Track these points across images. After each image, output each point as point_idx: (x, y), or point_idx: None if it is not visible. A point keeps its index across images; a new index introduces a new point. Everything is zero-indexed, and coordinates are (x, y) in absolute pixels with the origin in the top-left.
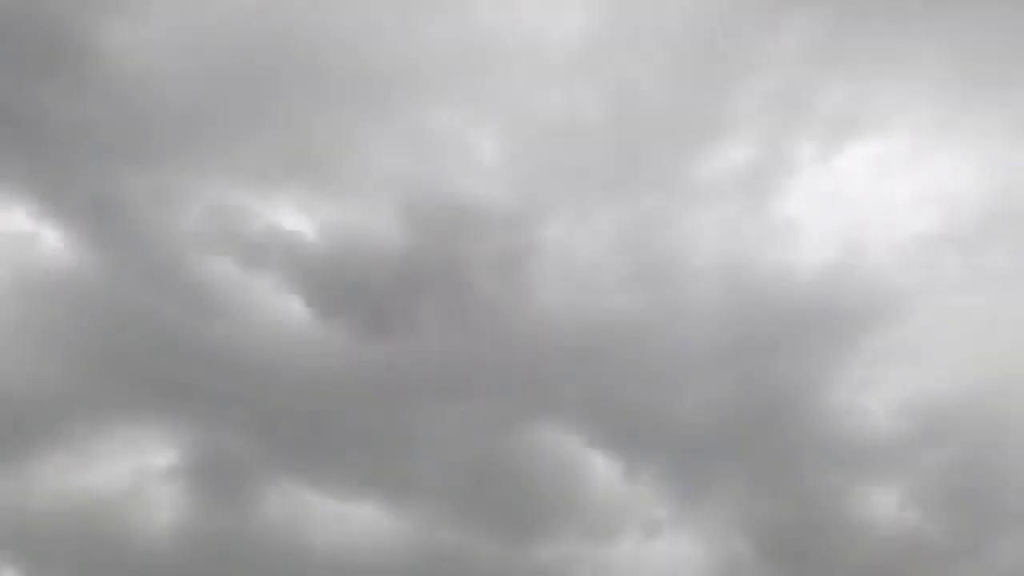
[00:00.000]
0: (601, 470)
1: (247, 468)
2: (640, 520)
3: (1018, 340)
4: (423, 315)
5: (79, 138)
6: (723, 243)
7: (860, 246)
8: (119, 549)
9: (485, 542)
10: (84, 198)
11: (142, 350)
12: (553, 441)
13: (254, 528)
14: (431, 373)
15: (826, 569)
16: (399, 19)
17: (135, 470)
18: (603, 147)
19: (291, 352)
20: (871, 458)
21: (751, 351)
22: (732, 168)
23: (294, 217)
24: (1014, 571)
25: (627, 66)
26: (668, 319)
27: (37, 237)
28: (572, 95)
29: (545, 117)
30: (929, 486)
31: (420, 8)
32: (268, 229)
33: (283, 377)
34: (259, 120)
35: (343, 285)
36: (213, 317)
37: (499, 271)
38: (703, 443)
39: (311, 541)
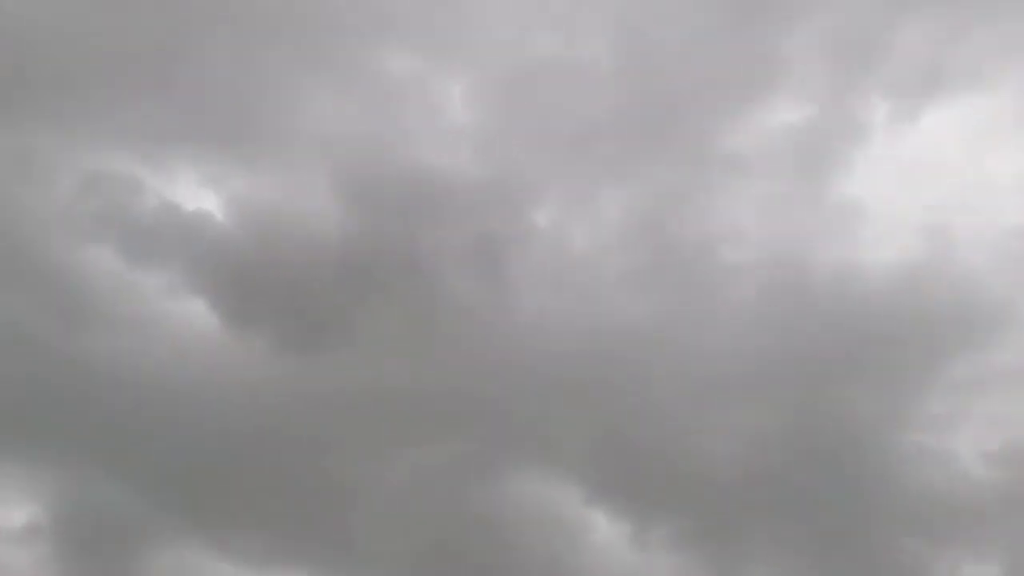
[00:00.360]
0: (604, 533)
1: (131, 526)
2: None
3: None
4: (370, 325)
5: None
6: (766, 233)
7: (947, 238)
8: None
9: None
10: None
11: None
12: (541, 494)
13: None
14: (380, 402)
15: None
16: None
17: None
18: (609, 105)
19: (192, 373)
20: (961, 518)
21: (802, 376)
22: (779, 134)
23: (197, 192)
24: None
25: None
26: (693, 333)
27: None
28: (570, 36)
29: (534, 65)
30: None
31: None
32: (162, 208)
33: (181, 406)
34: (152, 65)
35: (262, 283)
36: (89, 325)
37: (471, 267)
38: (737, 498)
39: None
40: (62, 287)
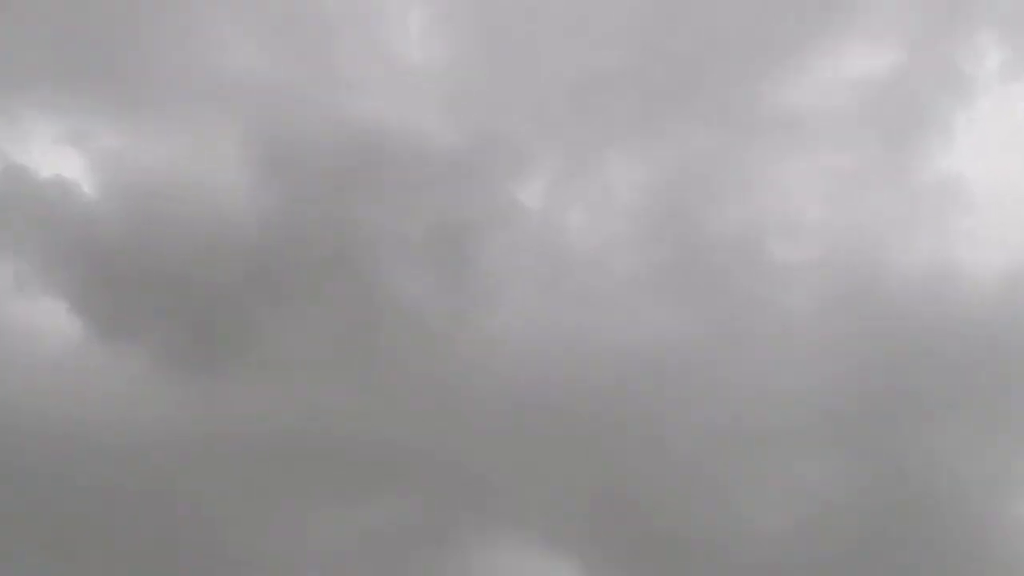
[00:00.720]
0: None
1: None
2: None
3: None
4: (287, 339)
5: None
6: (831, 221)
7: None
8: None
9: None
10: None
11: None
12: (521, 570)
13: None
14: (298, 444)
15: None
16: None
17: None
18: (624, 49)
19: (46, 398)
20: None
21: (877, 416)
22: (852, 90)
23: (55, 153)
24: None
25: None
26: (729, 357)
27: None
28: None
29: None
30: None
31: None
32: (8, 174)
33: (31, 443)
34: None
35: (143, 279)
36: None
37: (428, 262)
38: (783, 573)
39: None
40: None
